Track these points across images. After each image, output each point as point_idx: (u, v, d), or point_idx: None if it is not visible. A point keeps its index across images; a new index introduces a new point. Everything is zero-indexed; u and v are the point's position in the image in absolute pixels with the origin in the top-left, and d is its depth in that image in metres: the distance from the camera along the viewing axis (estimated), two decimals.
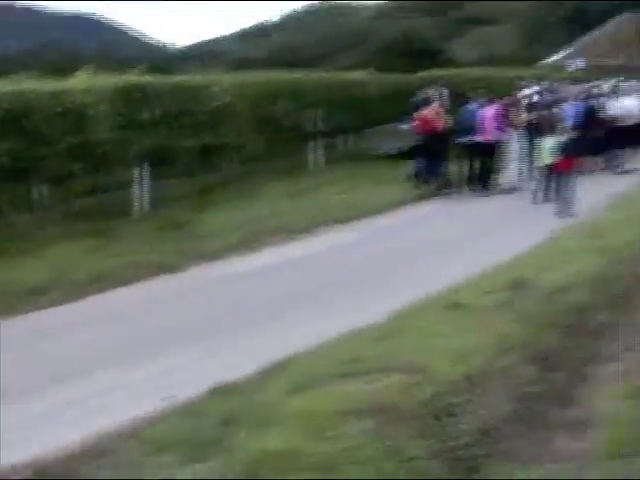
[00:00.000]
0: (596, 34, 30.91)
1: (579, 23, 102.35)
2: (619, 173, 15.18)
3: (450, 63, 38.60)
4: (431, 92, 14.99)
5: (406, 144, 15.84)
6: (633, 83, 19.59)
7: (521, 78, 19.32)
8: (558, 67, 30.15)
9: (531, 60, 32.23)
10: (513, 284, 6.94)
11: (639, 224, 9.69)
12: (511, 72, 23.26)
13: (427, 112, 13.60)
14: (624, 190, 12.75)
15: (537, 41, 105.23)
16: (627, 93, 17.14)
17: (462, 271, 7.70)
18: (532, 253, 8.43)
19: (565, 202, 11.67)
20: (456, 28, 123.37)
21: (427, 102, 14.31)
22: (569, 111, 14.43)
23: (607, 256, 7.96)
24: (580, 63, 28.54)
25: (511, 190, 13.70)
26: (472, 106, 14.08)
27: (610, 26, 31.38)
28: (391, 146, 17.00)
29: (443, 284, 7.21)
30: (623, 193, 12.47)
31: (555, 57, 31.12)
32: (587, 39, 31.17)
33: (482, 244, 9.48)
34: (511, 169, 14.25)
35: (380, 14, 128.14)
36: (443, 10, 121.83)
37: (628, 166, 15.38)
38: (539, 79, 20.46)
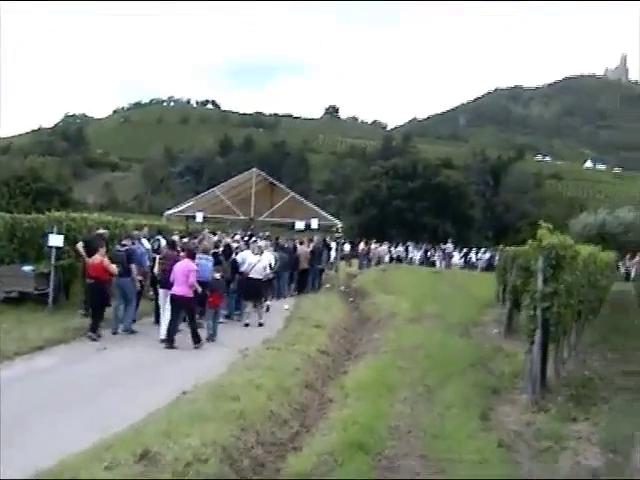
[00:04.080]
0: (222, 187, 33.36)
1: (204, 175, 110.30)
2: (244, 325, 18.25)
3: (73, 205, 38.58)
4: (105, 233, 17.36)
5: (29, 287, 17.23)
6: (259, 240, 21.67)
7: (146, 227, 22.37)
8: (182, 218, 31.94)
9: (156, 209, 33.71)
10: (140, 456, 7.01)
11: (276, 388, 10.58)
12: (142, 220, 24.23)
13: (98, 258, 15.19)
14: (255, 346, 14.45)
15: (162, 191, 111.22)
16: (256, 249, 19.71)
17: (84, 438, 7.71)
18: (163, 415, 8.78)
19: (212, 331, 15.47)
20: (81, 170, 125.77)
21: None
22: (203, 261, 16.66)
23: (240, 422, 8.56)
24: (200, 215, 30.50)
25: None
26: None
27: (237, 180, 34.09)
28: (10, 289, 17.39)
29: (54, 458, 6.97)
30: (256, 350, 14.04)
31: (179, 208, 32.68)
32: (213, 191, 33.51)
33: (111, 400, 10.06)
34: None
35: (4, 150, 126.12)
36: (67, 151, 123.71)
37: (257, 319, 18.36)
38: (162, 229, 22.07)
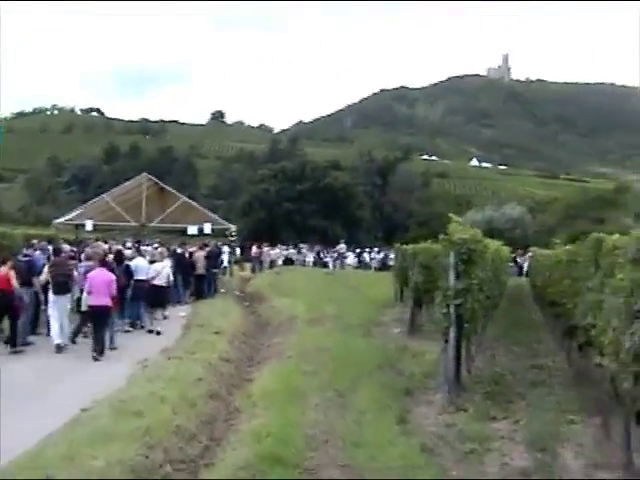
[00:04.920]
0: (112, 193, 32.23)
1: (91, 184, 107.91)
2: (147, 331, 17.93)
3: None
4: None
5: None
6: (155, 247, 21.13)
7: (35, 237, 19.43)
8: (72, 227, 30.65)
9: (43, 219, 32.32)
10: None
11: (180, 400, 10.07)
12: (30, 231, 23.31)
13: (4, 270, 14.59)
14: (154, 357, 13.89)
15: (48, 201, 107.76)
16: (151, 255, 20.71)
17: None
18: (63, 437, 8.09)
19: (110, 339, 15.02)
20: None
21: None
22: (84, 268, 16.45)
23: (145, 439, 8.03)
24: (90, 223, 29.35)
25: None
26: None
27: (127, 186, 33.02)
28: None
29: None
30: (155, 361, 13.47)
31: (68, 216, 31.36)
32: (102, 198, 32.30)
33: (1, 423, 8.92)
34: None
35: None
36: None
37: (153, 326, 18.07)
38: (52, 238, 21.19)
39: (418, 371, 12.07)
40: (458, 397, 9.82)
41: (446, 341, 9.86)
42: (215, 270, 26.45)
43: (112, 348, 15.01)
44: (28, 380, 11.87)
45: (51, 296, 15.20)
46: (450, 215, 10.54)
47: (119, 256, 18.26)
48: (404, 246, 22.96)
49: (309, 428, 8.81)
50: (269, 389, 11.03)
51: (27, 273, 15.28)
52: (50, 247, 18.80)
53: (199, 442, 8.76)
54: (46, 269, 15.38)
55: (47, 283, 15.30)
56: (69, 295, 15.39)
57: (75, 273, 16.07)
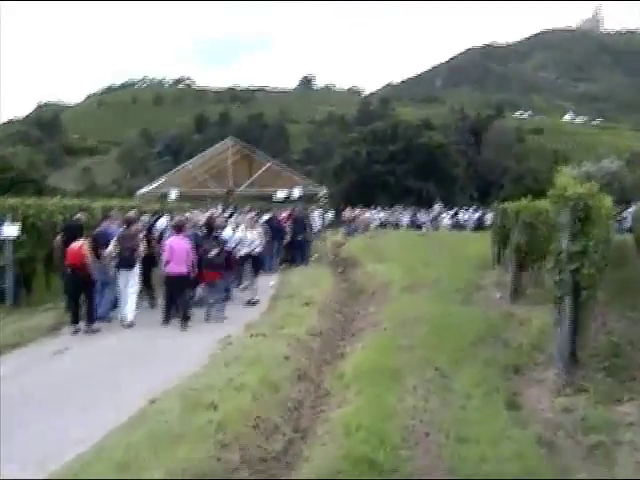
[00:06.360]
0: (197, 160, 31.35)
1: (183, 153, 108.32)
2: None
3: (49, 192, 37.13)
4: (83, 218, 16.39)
5: None
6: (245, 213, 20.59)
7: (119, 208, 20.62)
8: (155, 197, 29.86)
9: (136, 191, 31.69)
10: None
11: (262, 385, 8.91)
12: (112, 202, 22.56)
13: (79, 243, 13.90)
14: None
15: (141, 172, 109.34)
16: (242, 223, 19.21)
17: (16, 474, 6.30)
18: (122, 438, 7.08)
19: (216, 307, 14.90)
20: (58, 158, 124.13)
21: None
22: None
23: (218, 437, 6.95)
24: (175, 192, 28.51)
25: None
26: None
27: (211, 152, 32.10)
28: None
29: None
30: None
31: (152, 186, 30.59)
32: (185, 167, 31.44)
33: (60, 418, 8.12)
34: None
35: None
36: (42, 139, 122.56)
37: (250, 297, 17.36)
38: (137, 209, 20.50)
39: (526, 342, 10.78)
40: (574, 375, 8.50)
41: (559, 312, 8.52)
42: (301, 236, 25.02)
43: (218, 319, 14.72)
44: (95, 367, 10.90)
45: (120, 270, 14.54)
46: (560, 168, 9.15)
47: (210, 224, 17.14)
48: (503, 204, 21.48)
49: (407, 417, 7.66)
50: (362, 368, 9.91)
51: (96, 246, 14.39)
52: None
53: (282, 435, 7.68)
54: (114, 241, 14.57)
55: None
56: (134, 270, 14.59)
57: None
